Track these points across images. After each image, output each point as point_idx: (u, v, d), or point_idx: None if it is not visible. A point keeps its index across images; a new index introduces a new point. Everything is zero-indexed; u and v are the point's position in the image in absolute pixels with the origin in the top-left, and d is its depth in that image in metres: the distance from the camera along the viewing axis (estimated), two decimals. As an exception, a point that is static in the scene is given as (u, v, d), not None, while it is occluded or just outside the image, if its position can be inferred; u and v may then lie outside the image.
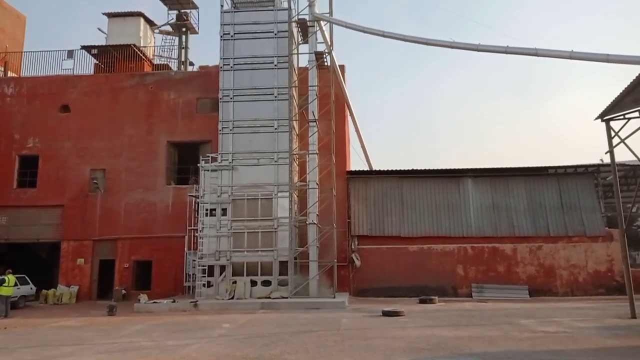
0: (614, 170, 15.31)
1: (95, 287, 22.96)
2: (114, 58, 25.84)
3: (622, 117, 14.65)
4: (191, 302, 17.76)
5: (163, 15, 28.61)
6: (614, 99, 13.77)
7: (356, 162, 26.65)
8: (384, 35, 21.08)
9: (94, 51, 26.28)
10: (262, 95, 21.03)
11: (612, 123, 14.89)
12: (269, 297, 18.50)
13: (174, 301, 18.25)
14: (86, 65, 26.39)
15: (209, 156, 21.04)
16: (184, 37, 28.68)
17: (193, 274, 20.77)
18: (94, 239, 23.16)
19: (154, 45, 28.49)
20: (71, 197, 23.58)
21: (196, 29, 28.87)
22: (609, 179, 22.27)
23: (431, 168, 23.67)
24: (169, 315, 16.29)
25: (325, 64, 22.80)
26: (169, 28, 28.71)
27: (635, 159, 14.56)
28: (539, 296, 21.25)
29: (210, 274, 19.67)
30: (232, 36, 21.51)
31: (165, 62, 28.41)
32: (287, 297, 18.52)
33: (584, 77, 74.91)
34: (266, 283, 19.42)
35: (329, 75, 22.03)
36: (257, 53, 21.35)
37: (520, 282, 21.88)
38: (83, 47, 25.99)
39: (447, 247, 22.55)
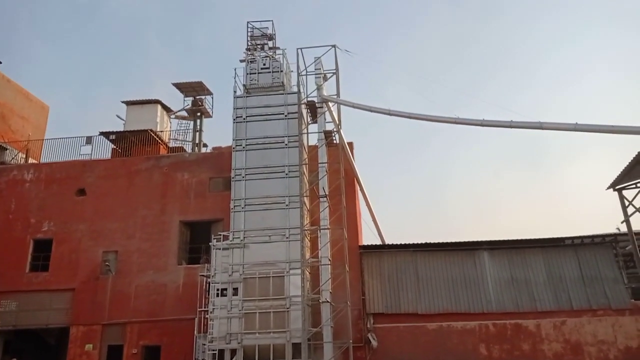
0: (633, 239, 15.03)
1: (102, 375, 22.06)
2: (131, 143, 26.84)
3: (634, 186, 14.66)
4: (201, 389, 16.91)
5: (179, 101, 30.08)
6: (623, 168, 13.87)
7: (368, 237, 26.42)
8: (390, 113, 21.85)
9: (112, 137, 27.34)
10: (273, 173, 21.47)
11: (624, 192, 14.87)
12: (282, 383, 17.57)
13: (182, 389, 17.39)
14: (104, 150, 27.36)
15: (220, 234, 21.06)
16: (198, 121, 29.93)
17: (203, 359, 19.95)
18: (103, 323, 22.65)
19: (169, 129, 29.68)
20: (82, 280, 23.41)
21: (210, 113, 30.18)
22: (628, 248, 21.72)
23: (445, 241, 23.34)
24: (178, 404, 15.44)
25: (335, 141, 23.45)
26: (184, 113, 30.05)
27: (653, 227, 14.35)
28: (569, 376, 19.96)
29: (221, 358, 18.90)
30: (244, 119, 22.43)
31: (180, 145, 29.44)
32: (301, 383, 17.59)
33: (596, 146, 75.63)
34: (279, 367, 18.54)
35: (339, 152, 22.58)
36: (268, 133, 22.12)
37: (547, 361, 20.66)
38: (101, 133, 27.12)
39: (468, 324, 21.60)
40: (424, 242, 23.32)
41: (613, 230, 22.98)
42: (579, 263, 22.38)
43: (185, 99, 29.87)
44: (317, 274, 21.01)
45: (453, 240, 23.29)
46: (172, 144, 29.18)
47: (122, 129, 27.60)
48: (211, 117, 30.37)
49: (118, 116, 28.51)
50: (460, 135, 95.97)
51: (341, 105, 23.54)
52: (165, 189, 24.72)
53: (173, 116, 30.07)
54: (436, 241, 23.29)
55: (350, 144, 24.96)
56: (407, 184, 74.17)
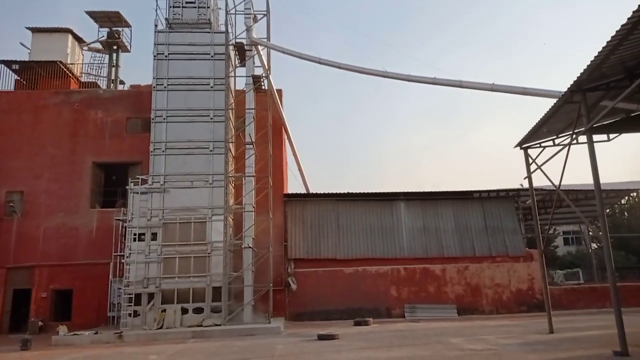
0: (532, 194, 16.45)
1: (7, 320, 20.95)
2: (38, 75, 24.40)
3: (538, 145, 15.86)
4: (116, 333, 16.69)
5: (93, 32, 27.50)
6: (530, 128, 14.90)
7: (293, 185, 26.71)
8: (320, 62, 21.61)
9: (15, 66, 24.68)
10: (197, 116, 20.66)
11: (530, 151, 16.06)
12: (201, 325, 17.82)
13: (96, 333, 17.07)
14: (6, 82, 24.70)
15: (138, 178, 20.19)
16: (114, 55, 27.72)
17: (118, 303, 19.58)
18: (8, 266, 21.29)
19: (82, 62, 27.24)
20: (-18, 222, 21.62)
21: (128, 47, 28.02)
22: (528, 202, 23.88)
23: (366, 191, 24.22)
24: (91, 347, 15.19)
25: (263, 87, 22.88)
26: (98, 45, 27.62)
27: (551, 184, 15.77)
28: (467, 315, 22.11)
29: (138, 302, 18.64)
30: (166, 56, 21.07)
31: (94, 80, 27.22)
32: (220, 325, 17.93)
33: (509, 107, 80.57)
34: (198, 310, 18.71)
35: (267, 99, 22.14)
36: (192, 74, 21.04)
37: (449, 302, 22.69)
38: (2, 62, 24.33)
39: (381, 268, 22.99)
40: (345, 192, 24.08)
41: (517, 186, 25.07)
42: (484, 215, 24.36)
43: (100, 30, 27.39)
44: (241, 221, 21.02)
45: (373, 191, 24.28)
46: (84, 79, 26.91)
47: (27, 59, 24.91)
48: (129, 52, 28.26)
49: (22, 44, 25.67)
50: (388, 91, 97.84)
51: (271, 51, 22.84)
52: (76, 127, 22.99)
53: (86, 48, 27.56)
54: (357, 191, 24.15)
55: (279, 91, 24.55)
56: (335, 135, 75.11)
